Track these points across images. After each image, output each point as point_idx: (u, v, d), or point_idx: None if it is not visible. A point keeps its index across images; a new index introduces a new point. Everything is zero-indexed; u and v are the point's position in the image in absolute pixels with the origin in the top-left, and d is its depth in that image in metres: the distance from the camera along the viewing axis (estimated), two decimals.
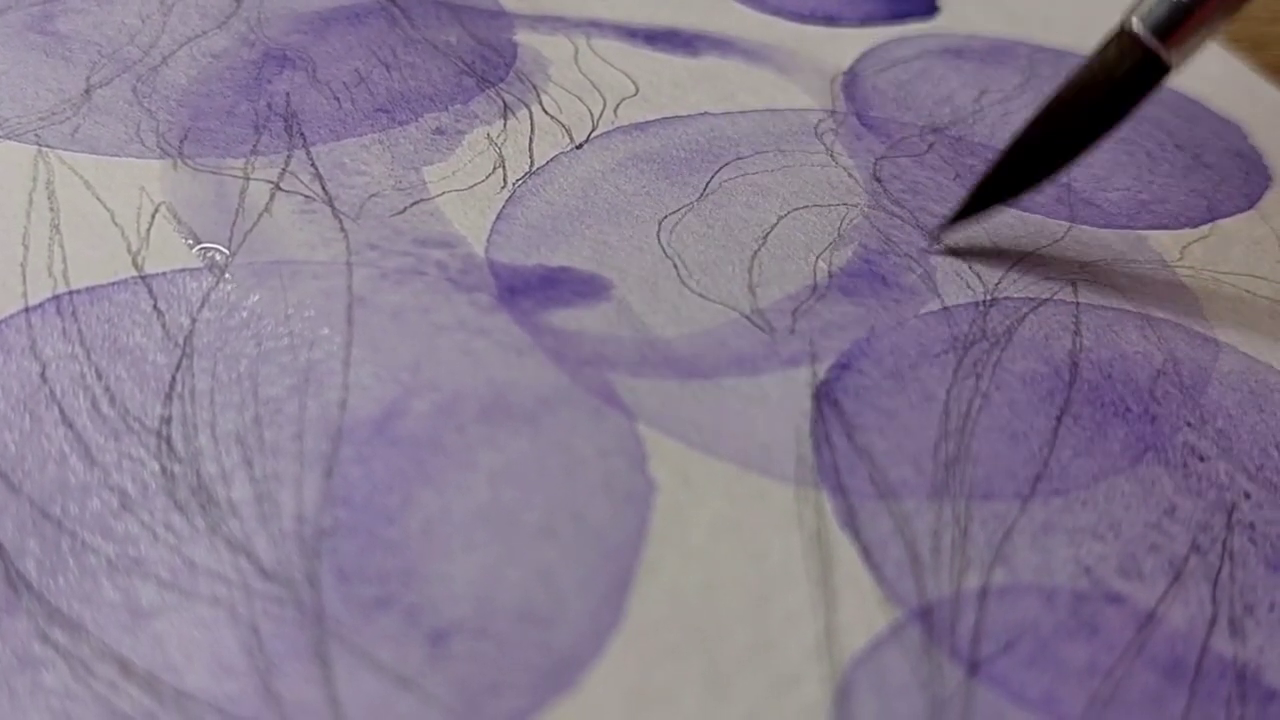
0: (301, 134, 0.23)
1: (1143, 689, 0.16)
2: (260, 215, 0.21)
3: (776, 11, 0.30)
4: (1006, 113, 0.28)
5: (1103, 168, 0.26)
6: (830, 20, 0.30)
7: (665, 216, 0.23)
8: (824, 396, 0.19)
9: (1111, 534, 0.18)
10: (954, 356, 0.20)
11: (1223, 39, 0.32)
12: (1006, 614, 0.17)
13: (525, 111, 0.25)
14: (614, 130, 0.25)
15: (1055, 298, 0.22)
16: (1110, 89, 0.22)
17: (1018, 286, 0.22)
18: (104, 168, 0.22)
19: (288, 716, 0.15)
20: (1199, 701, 0.16)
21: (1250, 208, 0.26)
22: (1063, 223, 0.24)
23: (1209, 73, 0.31)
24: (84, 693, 0.15)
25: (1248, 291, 0.24)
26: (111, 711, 0.15)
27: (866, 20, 0.31)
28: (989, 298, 0.22)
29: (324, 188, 0.22)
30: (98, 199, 0.21)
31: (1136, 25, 0.21)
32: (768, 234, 0.23)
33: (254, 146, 0.23)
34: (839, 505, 0.18)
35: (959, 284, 0.22)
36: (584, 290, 0.21)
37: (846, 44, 0.30)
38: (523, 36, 0.28)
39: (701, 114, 0.26)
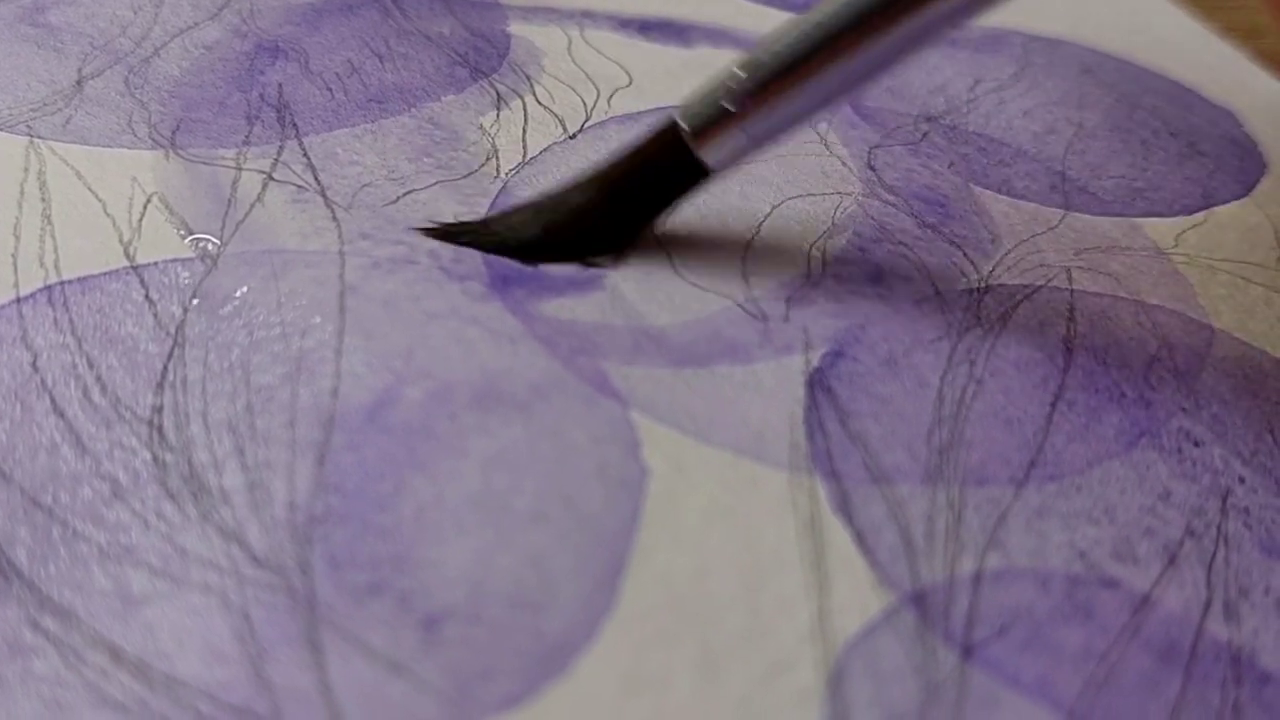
0: (294, 124, 0.23)
1: (1138, 672, 0.16)
2: (252, 205, 0.21)
3: (769, 2, 0.30)
4: (1001, 101, 0.28)
5: (1098, 155, 0.26)
6: None
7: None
8: (817, 383, 0.19)
9: (1106, 518, 0.18)
10: (948, 343, 0.20)
11: (1217, 27, 0.32)
12: (1001, 598, 0.17)
13: (519, 102, 0.25)
14: (608, 120, 0.25)
15: (1050, 285, 0.22)
16: (653, 181, 0.21)
17: (1012, 274, 0.22)
18: (96, 158, 0.22)
19: (279, 703, 0.15)
20: (1194, 684, 0.16)
21: (1245, 195, 0.26)
22: (1057, 210, 0.24)
23: (1203, 61, 0.31)
24: (75, 680, 0.15)
25: (1242, 278, 0.23)
26: (102, 699, 0.15)
27: None
28: (983, 285, 0.22)
29: (316, 177, 0.22)
30: (89, 189, 0.21)
31: (681, 121, 0.20)
32: (761, 223, 0.23)
33: (246, 137, 0.23)
34: (832, 491, 0.18)
35: (953, 271, 0.22)
36: (577, 279, 0.21)
37: None
38: (516, 27, 0.28)
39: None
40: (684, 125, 0.20)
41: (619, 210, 0.21)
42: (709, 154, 0.20)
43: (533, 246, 0.21)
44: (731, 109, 0.19)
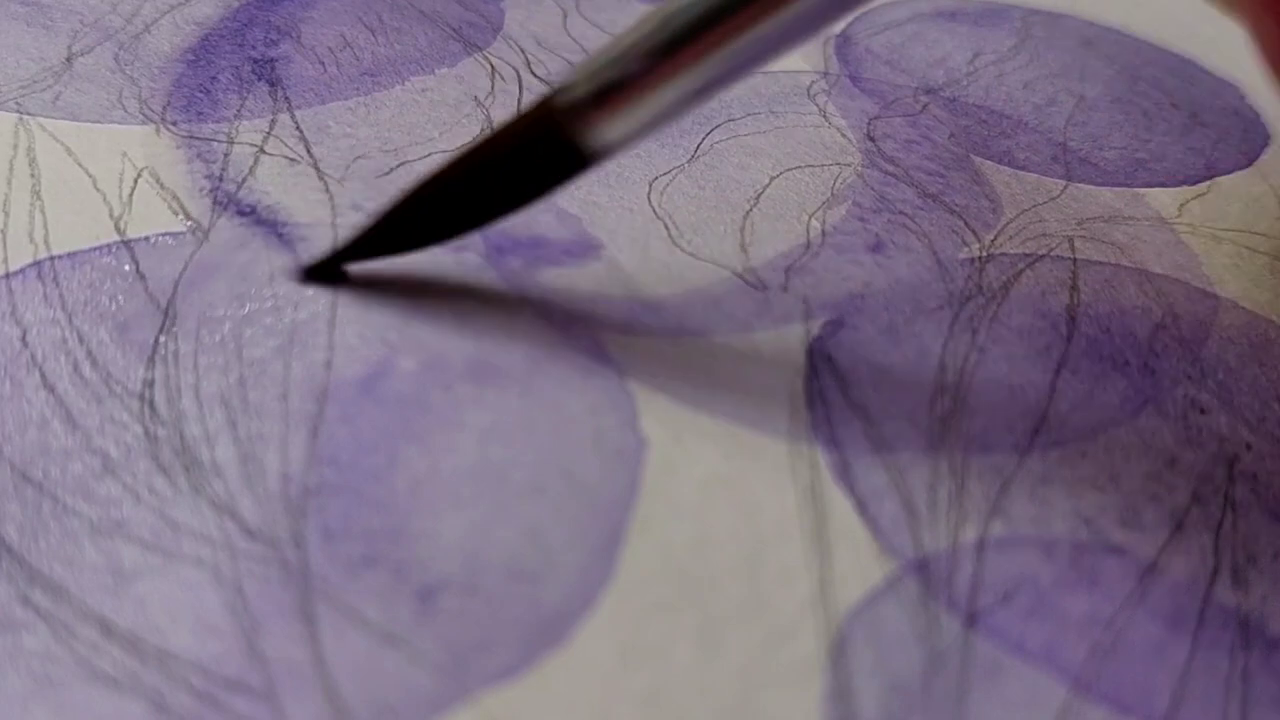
0: (286, 98, 0.23)
1: (1144, 638, 0.16)
2: (244, 178, 0.21)
3: None
4: (1001, 74, 0.27)
5: (1099, 126, 0.26)
6: None
7: (656, 178, 0.22)
8: (817, 352, 0.19)
9: (1111, 485, 0.18)
10: (949, 312, 0.20)
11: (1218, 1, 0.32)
12: (1005, 566, 0.17)
13: (513, 75, 0.25)
14: None
15: (1052, 254, 0.22)
16: (522, 167, 0.18)
17: (1014, 243, 0.22)
18: (86, 134, 0.22)
19: (273, 675, 0.14)
20: (1202, 650, 0.16)
21: (1249, 165, 0.26)
22: (1059, 181, 0.24)
23: (1204, 34, 0.31)
24: (65, 655, 0.15)
25: (1247, 248, 0.23)
26: (93, 673, 0.14)
27: None
28: (985, 254, 0.22)
29: (309, 150, 0.22)
30: (79, 165, 0.21)
31: (558, 101, 0.17)
32: (760, 194, 0.22)
33: (238, 111, 0.23)
34: (833, 460, 0.18)
35: (954, 241, 0.22)
36: (573, 250, 0.20)
37: None
38: (510, 1, 0.27)
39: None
40: (564, 106, 0.17)
41: (482, 200, 0.19)
42: (588, 140, 0.17)
43: (390, 242, 0.19)
44: (609, 92, 0.17)
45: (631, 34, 0.17)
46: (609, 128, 0.17)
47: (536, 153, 0.18)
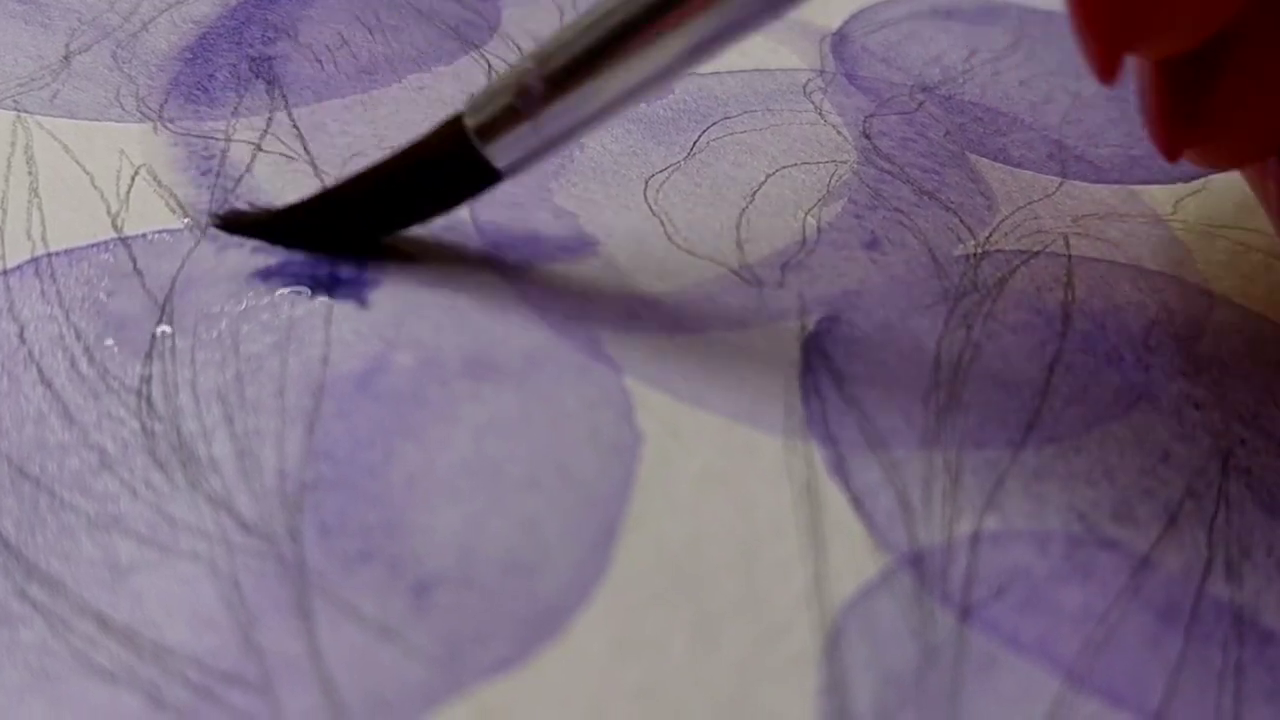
0: (283, 96, 0.23)
1: (1138, 632, 0.16)
2: (241, 176, 0.21)
3: None
4: (997, 72, 0.27)
5: (1095, 124, 0.26)
6: None
7: (652, 175, 0.22)
8: (813, 348, 0.19)
9: (1105, 480, 0.18)
10: (944, 308, 0.20)
11: None
12: (999, 560, 0.17)
13: None
14: None
15: (1047, 251, 0.22)
16: (434, 179, 0.19)
17: (1009, 240, 0.22)
18: (83, 132, 0.22)
19: (269, 668, 0.15)
20: (1195, 644, 0.16)
21: None
22: (1054, 178, 0.24)
23: None
24: (61, 648, 0.15)
25: (1241, 244, 0.23)
26: (90, 667, 0.14)
27: None
28: (980, 251, 0.22)
29: (306, 148, 0.22)
30: (77, 163, 0.21)
31: (467, 118, 0.18)
32: (756, 192, 0.22)
33: (235, 109, 0.23)
34: (828, 455, 0.18)
35: (949, 237, 0.22)
36: (570, 246, 0.20)
37: (835, 5, 0.29)
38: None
39: (688, 74, 0.25)
40: (470, 123, 0.18)
41: (396, 207, 0.19)
42: (499, 155, 0.18)
43: (307, 234, 0.20)
44: (519, 107, 0.17)
45: (531, 58, 0.18)
46: (510, 148, 0.18)
47: (451, 164, 0.19)
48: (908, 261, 0.21)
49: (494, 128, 0.18)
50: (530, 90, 0.17)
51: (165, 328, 0.18)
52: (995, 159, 0.24)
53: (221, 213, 0.20)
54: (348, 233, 0.20)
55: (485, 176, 0.18)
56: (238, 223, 0.20)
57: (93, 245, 0.19)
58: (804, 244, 0.21)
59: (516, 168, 0.18)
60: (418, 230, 0.20)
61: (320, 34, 0.25)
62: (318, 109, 0.23)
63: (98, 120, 0.22)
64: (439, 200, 0.19)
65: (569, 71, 0.17)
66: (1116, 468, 0.18)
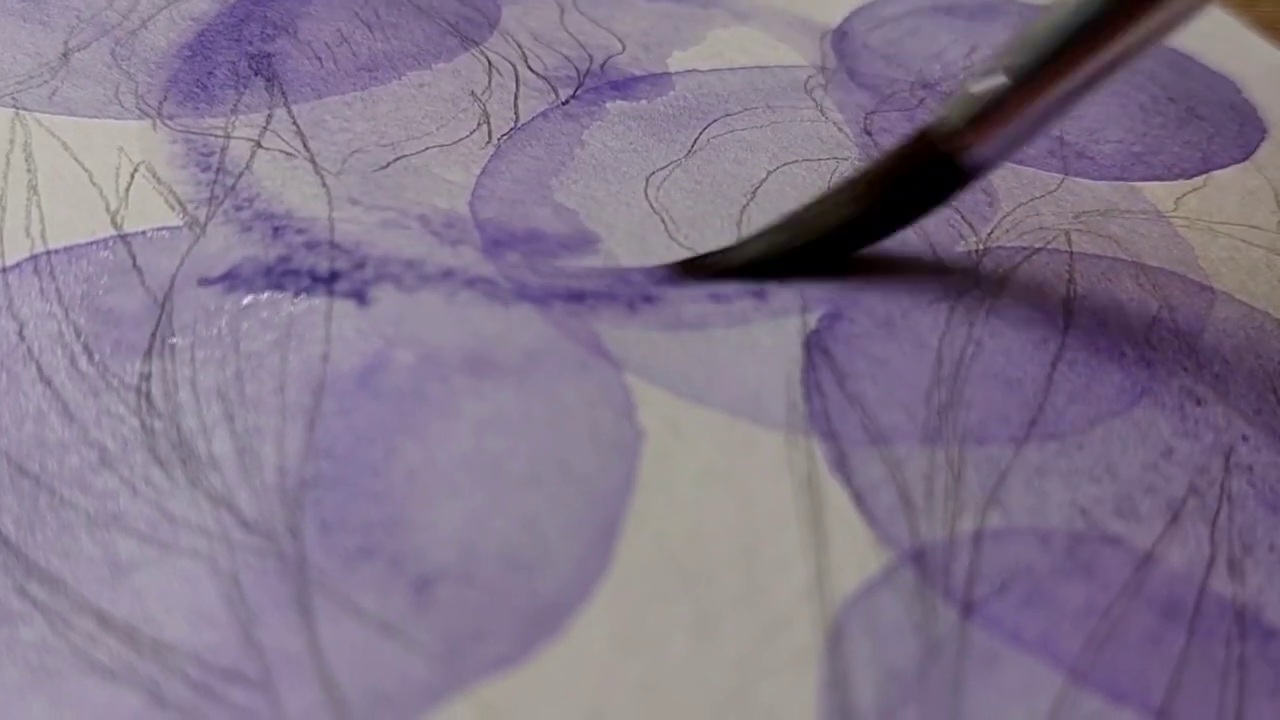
0: (283, 93, 0.23)
1: (1141, 628, 0.16)
2: (240, 173, 0.21)
3: None
4: None
5: (1095, 120, 0.26)
6: None
7: (653, 173, 0.22)
8: (815, 345, 0.19)
9: (1108, 476, 0.18)
10: (946, 305, 0.20)
11: None
12: (1001, 556, 0.17)
13: (510, 70, 0.25)
14: (602, 86, 0.25)
15: (1049, 247, 0.22)
16: (907, 192, 0.20)
17: (1010, 236, 0.22)
18: (82, 129, 0.22)
19: (269, 665, 0.14)
20: (1198, 640, 0.16)
21: (1245, 159, 0.26)
22: (1056, 175, 0.24)
23: (1201, 29, 0.30)
24: (62, 645, 0.15)
25: (1243, 241, 0.23)
26: (90, 664, 0.14)
27: None
28: (981, 247, 0.22)
29: (305, 144, 0.22)
30: (76, 160, 0.21)
31: (936, 128, 0.19)
32: (757, 189, 0.22)
33: (234, 106, 0.23)
34: (830, 451, 0.18)
35: (951, 234, 0.22)
36: (571, 243, 0.20)
37: (836, 2, 0.29)
38: None
39: (689, 71, 0.25)
40: (942, 131, 0.19)
41: (873, 227, 0.20)
42: (970, 156, 0.19)
43: (777, 264, 0.20)
44: (995, 104, 0.18)
45: (996, 59, 0.18)
46: (983, 147, 0.19)
47: (922, 173, 0.20)
48: (909, 258, 0.21)
49: (963, 134, 0.19)
50: (998, 91, 0.18)
51: (175, 340, 0.18)
52: None
53: (683, 262, 0.20)
54: (816, 258, 0.20)
55: (954, 181, 0.19)
56: (704, 267, 0.20)
57: (92, 242, 0.19)
58: None
59: (988, 167, 0.19)
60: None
61: (320, 31, 0.25)
62: (317, 106, 0.23)
63: (97, 117, 0.22)
64: (907, 213, 0.20)
65: (1038, 70, 0.18)
66: (1119, 464, 0.18)
